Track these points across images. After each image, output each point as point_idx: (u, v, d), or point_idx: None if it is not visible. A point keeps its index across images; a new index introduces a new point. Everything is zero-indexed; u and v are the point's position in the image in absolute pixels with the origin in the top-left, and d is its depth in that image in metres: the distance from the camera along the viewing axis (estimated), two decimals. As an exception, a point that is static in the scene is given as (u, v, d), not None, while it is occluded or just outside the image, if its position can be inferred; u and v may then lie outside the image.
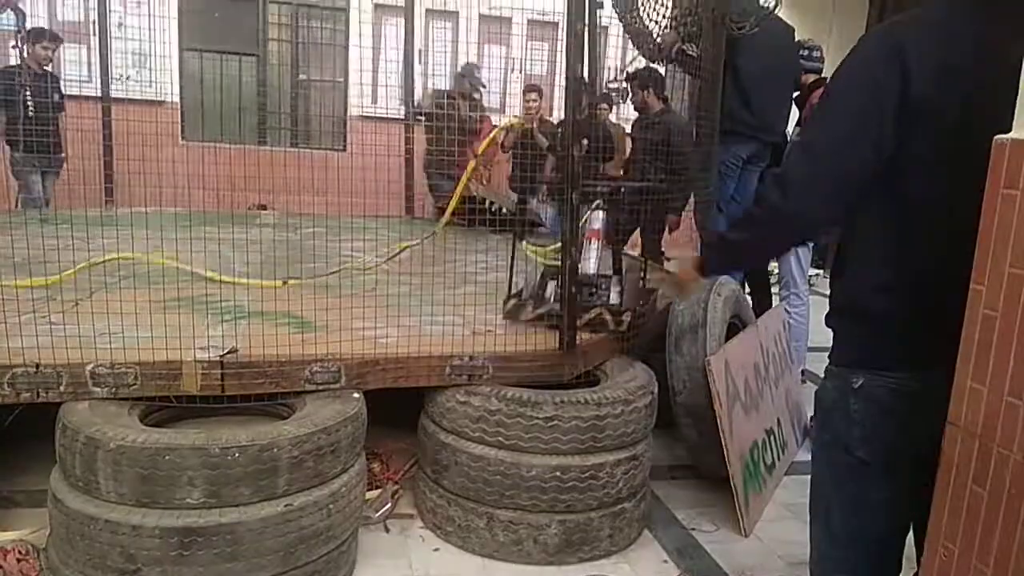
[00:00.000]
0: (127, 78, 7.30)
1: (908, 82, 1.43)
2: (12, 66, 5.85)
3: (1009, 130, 1.33)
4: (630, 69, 5.56)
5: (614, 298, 3.10)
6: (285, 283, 3.43)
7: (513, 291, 3.19)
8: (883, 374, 1.57)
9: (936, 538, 1.46)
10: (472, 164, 3.19)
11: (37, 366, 2.28)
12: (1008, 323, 1.31)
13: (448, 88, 6.45)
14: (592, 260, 3.16)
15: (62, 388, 2.29)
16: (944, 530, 1.44)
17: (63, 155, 5.84)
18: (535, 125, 5.96)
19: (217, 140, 6.81)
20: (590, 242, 3.22)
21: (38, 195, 5.75)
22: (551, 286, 3.10)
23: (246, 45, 7.91)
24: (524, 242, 3.24)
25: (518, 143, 5.91)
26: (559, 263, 3.09)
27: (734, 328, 3.46)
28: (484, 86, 6.67)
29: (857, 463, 1.61)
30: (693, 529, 2.94)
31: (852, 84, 1.52)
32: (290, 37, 8.02)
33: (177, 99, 7.65)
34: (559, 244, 3.18)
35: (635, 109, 5.47)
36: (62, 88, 6.00)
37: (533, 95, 6.18)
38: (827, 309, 1.71)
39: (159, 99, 7.41)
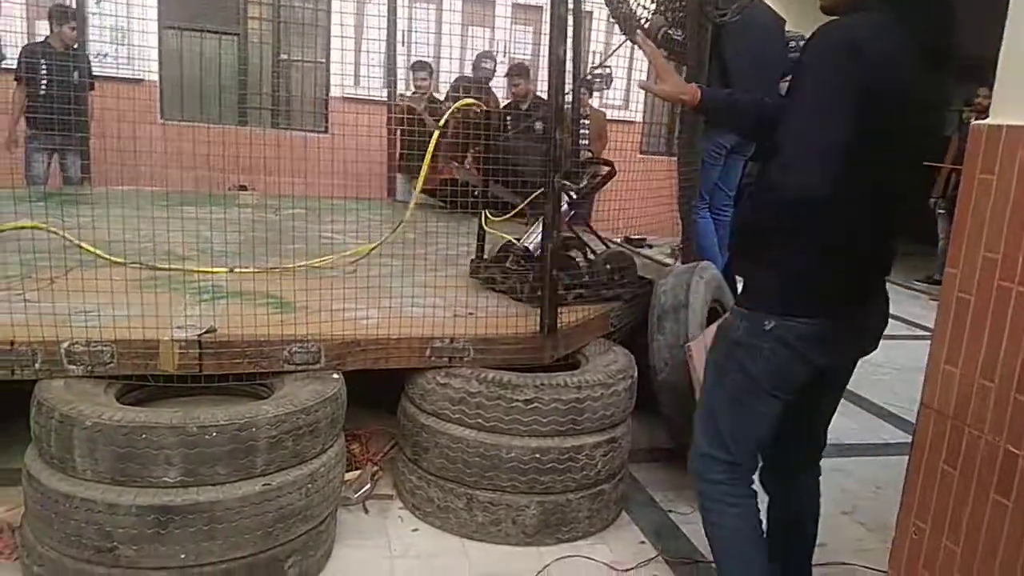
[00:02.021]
0: (105, 56, 7.19)
1: (862, 67, 1.59)
2: (37, 43, 5.80)
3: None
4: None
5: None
6: (231, 270, 3.26)
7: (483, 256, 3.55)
8: (792, 319, 1.76)
9: (908, 516, 1.48)
10: (436, 136, 3.43)
11: (12, 343, 2.24)
12: (981, 306, 1.33)
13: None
14: (535, 237, 3.30)
15: (37, 366, 2.26)
16: (916, 509, 1.46)
17: (84, 135, 5.77)
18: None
19: (196, 120, 6.76)
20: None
21: (38, 173, 5.74)
22: (510, 258, 3.41)
23: (226, 23, 7.80)
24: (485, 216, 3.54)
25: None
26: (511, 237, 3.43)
27: (715, 313, 3.48)
28: (492, 76, 6.75)
29: (757, 388, 1.83)
30: (670, 511, 2.96)
31: (820, 69, 1.65)
32: (271, 16, 7.92)
33: (156, 77, 7.54)
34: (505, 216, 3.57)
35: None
36: (91, 67, 5.98)
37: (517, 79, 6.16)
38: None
39: (137, 77, 7.29)
